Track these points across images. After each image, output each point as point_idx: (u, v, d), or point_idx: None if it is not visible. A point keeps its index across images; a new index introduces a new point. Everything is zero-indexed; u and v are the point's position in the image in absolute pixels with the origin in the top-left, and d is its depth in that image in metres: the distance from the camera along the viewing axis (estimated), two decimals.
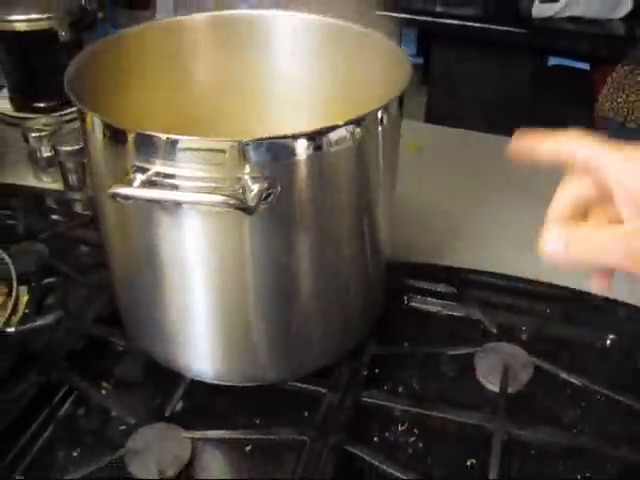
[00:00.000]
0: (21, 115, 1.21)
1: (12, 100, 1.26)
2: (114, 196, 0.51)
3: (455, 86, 2.24)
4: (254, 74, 0.75)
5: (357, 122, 0.55)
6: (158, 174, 0.53)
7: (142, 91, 0.69)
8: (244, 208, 0.50)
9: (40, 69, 1.22)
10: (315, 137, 0.53)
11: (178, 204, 0.55)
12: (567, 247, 0.45)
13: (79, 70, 0.60)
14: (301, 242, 0.60)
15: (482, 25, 1.98)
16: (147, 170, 0.53)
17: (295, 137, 0.52)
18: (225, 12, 0.74)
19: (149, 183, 0.53)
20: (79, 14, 1.21)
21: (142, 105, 0.67)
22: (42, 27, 1.18)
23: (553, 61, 2.35)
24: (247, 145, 0.51)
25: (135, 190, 0.51)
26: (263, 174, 0.52)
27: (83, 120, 0.57)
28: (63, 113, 1.18)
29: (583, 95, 2.09)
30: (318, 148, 0.54)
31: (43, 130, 1.02)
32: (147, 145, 0.53)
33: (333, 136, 0.54)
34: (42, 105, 1.24)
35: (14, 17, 1.17)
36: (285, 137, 0.52)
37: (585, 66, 2.29)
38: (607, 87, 1.79)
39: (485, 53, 2.13)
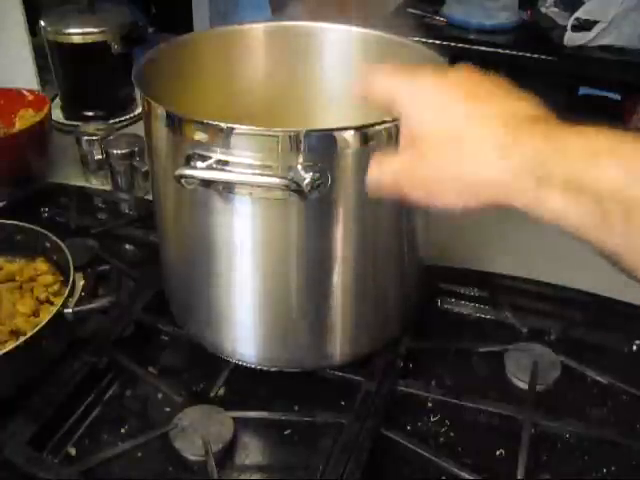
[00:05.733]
0: (72, 123, 1.27)
1: (63, 109, 1.32)
2: (179, 178, 0.55)
3: None
4: (304, 77, 0.80)
5: None
6: (217, 162, 0.57)
7: (201, 89, 0.74)
8: (299, 191, 0.54)
9: (91, 80, 1.29)
10: (364, 131, 0.57)
11: (233, 191, 0.59)
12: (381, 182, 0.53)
13: (146, 66, 0.65)
14: (344, 232, 0.63)
15: (513, 52, 2.01)
16: (207, 158, 0.57)
17: (346, 130, 0.57)
18: (280, 23, 0.79)
19: (209, 169, 0.57)
20: (130, 28, 1.27)
21: (201, 101, 0.72)
22: (96, 40, 1.24)
23: (583, 91, 2.37)
24: (302, 135, 0.55)
25: (199, 171, 0.55)
26: (315, 164, 0.57)
27: (148, 111, 0.62)
28: (112, 122, 1.23)
29: (614, 124, 2.11)
30: (366, 142, 0.58)
31: (95, 134, 1.08)
32: (208, 133, 0.57)
33: (380, 131, 0.58)
34: (91, 114, 1.30)
35: (70, 30, 1.24)
36: (337, 129, 0.56)
37: (615, 96, 2.31)
38: (637, 115, 1.81)
39: (516, 81, 2.16)
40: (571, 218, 0.41)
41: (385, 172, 0.52)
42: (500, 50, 2.05)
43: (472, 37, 2.10)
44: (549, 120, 0.45)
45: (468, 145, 0.45)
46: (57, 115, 1.30)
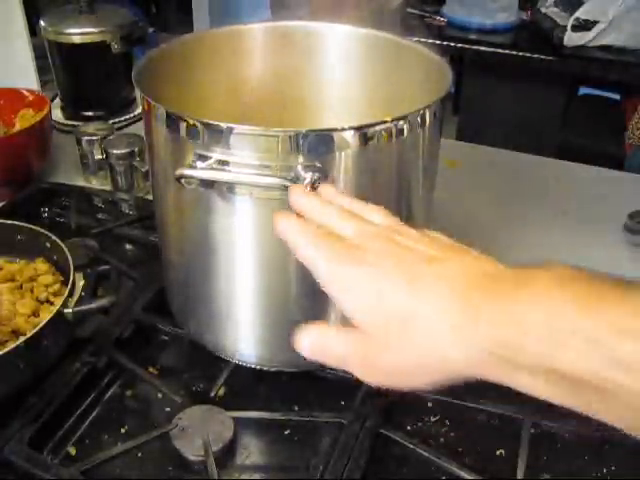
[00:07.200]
0: (71, 123, 1.27)
1: (63, 109, 1.32)
2: (180, 178, 0.55)
3: (485, 114, 2.27)
4: (304, 77, 0.80)
5: (403, 119, 0.59)
6: (217, 162, 0.57)
7: (201, 89, 0.74)
8: None
9: (92, 80, 1.29)
10: (364, 131, 0.57)
11: (233, 191, 0.59)
12: (311, 350, 0.46)
13: (146, 66, 0.65)
14: None
15: (514, 53, 2.02)
16: (207, 158, 0.57)
17: (346, 130, 0.57)
18: (280, 23, 0.79)
19: (209, 169, 0.57)
20: (131, 28, 1.27)
21: (201, 101, 0.72)
22: (95, 40, 1.24)
23: (583, 91, 2.38)
24: (302, 135, 0.55)
25: (200, 172, 0.55)
26: (314, 164, 0.56)
27: (148, 111, 0.62)
28: (112, 122, 1.23)
29: (614, 124, 2.11)
30: (366, 142, 0.58)
31: (95, 134, 1.08)
32: (208, 133, 0.57)
33: (380, 131, 0.58)
34: (91, 114, 1.30)
35: (70, 30, 1.24)
36: (337, 129, 0.56)
37: (615, 96, 2.32)
38: (637, 115, 1.81)
39: (516, 81, 2.16)
40: (544, 394, 0.37)
41: (330, 356, 0.45)
42: (500, 50, 2.05)
43: (472, 37, 2.11)
44: (505, 280, 0.40)
45: (422, 327, 0.40)
46: (57, 115, 1.30)
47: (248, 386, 0.73)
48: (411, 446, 0.65)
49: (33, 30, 1.33)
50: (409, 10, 2.28)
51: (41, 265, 0.79)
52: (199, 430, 0.65)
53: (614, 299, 0.34)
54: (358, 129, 0.57)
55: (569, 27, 1.95)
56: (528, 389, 0.38)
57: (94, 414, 0.71)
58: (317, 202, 0.49)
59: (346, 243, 0.45)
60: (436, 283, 0.41)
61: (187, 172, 0.56)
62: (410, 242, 0.45)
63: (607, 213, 1.02)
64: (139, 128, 0.84)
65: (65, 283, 0.76)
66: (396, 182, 0.64)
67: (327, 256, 0.44)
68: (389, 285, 0.42)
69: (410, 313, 0.41)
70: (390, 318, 0.42)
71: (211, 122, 0.56)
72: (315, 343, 0.46)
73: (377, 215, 0.48)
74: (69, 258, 0.75)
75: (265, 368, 0.72)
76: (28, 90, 1.15)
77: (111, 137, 1.07)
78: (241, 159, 0.57)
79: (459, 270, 0.41)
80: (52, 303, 0.76)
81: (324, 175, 0.57)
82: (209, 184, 0.58)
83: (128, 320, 0.79)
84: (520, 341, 0.36)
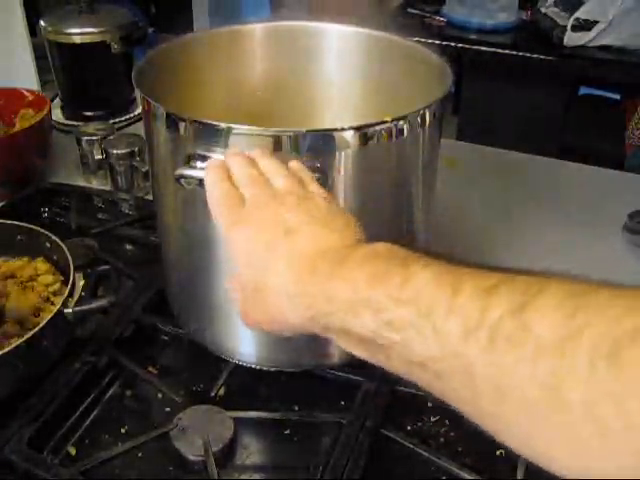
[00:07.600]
0: (71, 123, 1.27)
1: (63, 109, 1.32)
2: (180, 178, 0.55)
3: (485, 114, 2.27)
4: (304, 77, 0.80)
5: (403, 119, 0.59)
6: None
7: (201, 89, 0.74)
8: None
9: (92, 80, 1.29)
10: (364, 131, 0.57)
11: None
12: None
13: (147, 67, 0.65)
14: None
15: (514, 53, 2.02)
16: (207, 158, 0.57)
17: (346, 130, 0.57)
18: (280, 23, 0.79)
19: None
20: (130, 28, 1.27)
21: (201, 101, 0.72)
22: (96, 40, 1.24)
23: (583, 91, 2.38)
24: (302, 135, 0.55)
25: (200, 172, 0.55)
26: (314, 164, 0.56)
27: (148, 111, 0.62)
28: (112, 122, 1.23)
29: (614, 124, 2.11)
30: (366, 142, 0.58)
31: (95, 134, 1.08)
32: (207, 134, 0.57)
33: (380, 131, 0.58)
34: (91, 114, 1.30)
35: (70, 30, 1.24)
36: (337, 129, 0.56)
37: (615, 96, 2.31)
38: (637, 115, 1.82)
39: (516, 81, 2.16)
40: (350, 349, 0.46)
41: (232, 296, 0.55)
42: (500, 50, 2.05)
43: (472, 37, 2.11)
44: (331, 259, 0.47)
45: (270, 295, 0.49)
46: (57, 115, 1.30)
47: (248, 386, 0.73)
48: (411, 446, 0.65)
49: (33, 30, 1.33)
50: (409, 10, 2.29)
51: (41, 265, 0.79)
52: (199, 430, 0.65)
53: (397, 274, 0.41)
54: (358, 129, 0.57)
55: (569, 27, 1.95)
56: (341, 345, 0.46)
57: (94, 414, 0.71)
58: (240, 162, 0.54)
59: (238, 211, 0.52)
60: (283, 257, 0.49)
61: (187, 172, 0.56)
62: (286, 212, 0.50)
63: (607, 213, 1.02)
64: (139, 128, 0.84)
65: (65, 283, 0.76)
66: (396, 182, 0.64)
67: (222, 219, 0.52)
68: (253, 256, 0.50)
69: (262, 283, 0.50)
70: (252, 283, 0.51)
71: (211, 122, 0.56)
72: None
73: (280, 179, 0.53)
74: (69, 258, 0.75)
75: (265, 368, 0.72)
76: (28, 90, 1.15)
77: (111, 137, 1.07)
78: None
79: (303, 247, 0.49)
80: (52, 303, 0.76)
81: (324, 175, 0.57)
82: None
83: (128, 320, 0.79)
84: (328, 311, 0.45)
